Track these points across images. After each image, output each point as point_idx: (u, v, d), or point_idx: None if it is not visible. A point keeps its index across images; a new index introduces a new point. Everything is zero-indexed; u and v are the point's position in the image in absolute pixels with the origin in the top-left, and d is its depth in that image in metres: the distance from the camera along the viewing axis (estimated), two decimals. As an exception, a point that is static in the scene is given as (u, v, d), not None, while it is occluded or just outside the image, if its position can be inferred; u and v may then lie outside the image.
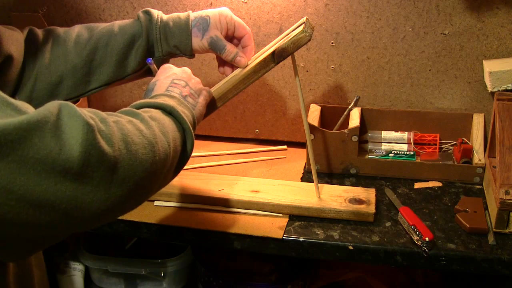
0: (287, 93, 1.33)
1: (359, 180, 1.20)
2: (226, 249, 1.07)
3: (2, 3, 1.37)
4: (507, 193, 0.97)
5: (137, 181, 0.66)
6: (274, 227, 1.03)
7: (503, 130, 1.05)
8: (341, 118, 1.27)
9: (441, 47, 1.21)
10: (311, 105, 1.29)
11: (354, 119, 1.22)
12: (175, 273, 1.40)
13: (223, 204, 1.08)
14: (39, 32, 0.99)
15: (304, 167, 1.26)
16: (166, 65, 0.95)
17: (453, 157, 1.21)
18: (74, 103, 1.02)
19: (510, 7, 1.14)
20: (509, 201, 0.96)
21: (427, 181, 1.18)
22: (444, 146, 1.25)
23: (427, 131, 1.25)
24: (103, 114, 0.66)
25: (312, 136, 1.18)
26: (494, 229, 0.99)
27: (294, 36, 0.96)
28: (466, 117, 1.23)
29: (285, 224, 1.04)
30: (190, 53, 1.03)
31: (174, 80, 0.89)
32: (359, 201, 1.05)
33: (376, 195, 1.09)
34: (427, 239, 0.94)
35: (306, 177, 1.21)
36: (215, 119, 1.39)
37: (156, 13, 1.01)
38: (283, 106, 1.35)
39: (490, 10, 1.15)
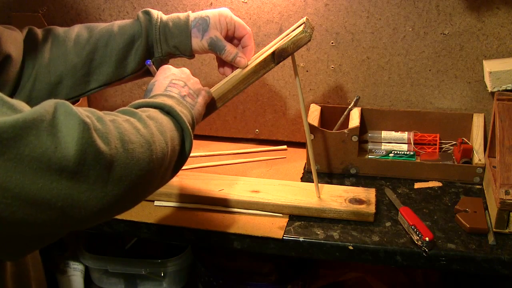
0: (287, 93, 1.33)
1: (359, 180, 1.20)
2: (226, 249, 1.07)
3: (2, 3, 1.37)
4: (507, 193, 0.97)
5: (134, 180, 0.66)
6: (274, 227, 1.03)
7: (503, 130, 1.05)
8: (341, 118, 1.27)
9: (441, 47, 1.21)
10: (311, 105, 1.29)
11: (354, 119, 1.22)
12: (175, 273, 1.40)
13: (223, 204, 1.08)
14: (39, 32, 0.99)
15: (304, 167, 1.26)
16: (165, 66, 0.95)
17: (453, 157, 1.21)
18: (74, 103, 1.02)
19: (510, 7, 1.14)
20: (509, 201, 0.96)
21: (427, 181, 1.18)
22: (444, 146, 1.25)
23: (427, 131, 1.25)
24: (100, 113, 0.66)
25: (312, 136, 1.18)
26: (494, 229, 0.99)
27: (294, 36, 0.96)
28: (466, 117, 1.23)
29: (285, 224, 1.04)
30: (189, 54, 1.03)
31: (173, 81, 0.89)
32: (359, 201, 1.05)
33: (376, 195, 1.09)
34: (427, 239, 0.94)
35: (306, 177, 1.21)
36: (215, 119, 1.39)
37: (156, 14, 1.01)
38: (283, 106, 1.35)
39: (490, 10, 1.15)
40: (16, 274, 0.82)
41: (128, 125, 0.68)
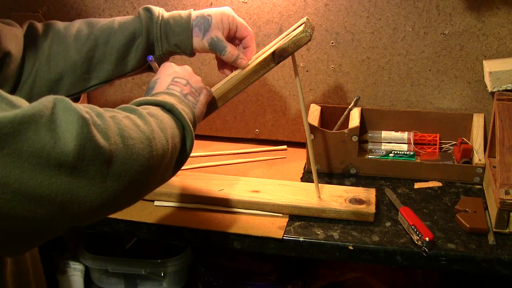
0: (287, 93, 1.33)
1: (359, 180, 1.20)
2: (226, 249, 1.07)
3: (2, 3, 1.37)
4: (507, 193, 0.97)
5: (134, 176, 0.66)
6: (274, 227, 1.03)
7: (503, 130, 1.05)
8: (341, 118, 1.27)
9: (441, 47, 1.21)
10: (311, 105, 1.29)
11: (354, 119, 1.22)
12: (175, 273, 1.40)
13: (223, 204, 1.08)
14: (39, 27, 0.98)
15: (304, 167, 1.26)
16: (167, 64, 0.95)
17: (453, 157, 1.21)
18: (75, 100, 1.02)
19: (510, 7, 1.14)
20: (509, 201, 0.96)
21: (427, 181, 1.18)
22: (444, 146, 1.25)
23: (427, 131, 1.25)
24: (100, 109, 0.66)
25: (312, 136, 1.18)
26: (494, 229, 0.99)
27: (295, 36, 0.96)
28: (466, 117, 1.23)
29: (285, 224, 1.04)
30: (190, 52, 1.02)
31: (175, 79, 0.89)
32: (359, 201, 1.05)
33: (376, 195, 1.09)
34: (427, 239, 0.94)
35: (306, 177, 1.21)
36: (215, 119, 1.39)
37: (157, 11, 1.00)
38: (283, 106, 1.35)
39: (490, 10, 1.15)
40: (16, 273, 0.82)
41: (128, 121, 0.68)
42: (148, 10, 1.00)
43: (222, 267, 1.37)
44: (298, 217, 1.06)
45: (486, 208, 1.07)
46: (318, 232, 1.01)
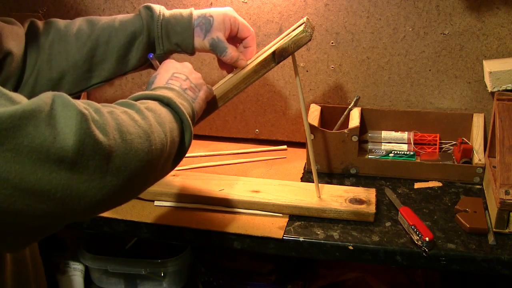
0: (287, 93, 1.33)
1: (359, 180, 1.20)
2: (226, 249, 1.07)
3: (2, 3, 1.37)
4: (507, 193, 0.97)
5: (133, 170, 0.66)
6: (274, 227, 1.03)
7: (503, 130, 1.05)
8: (341, 118, 1.27)
9: (441, 47, 1.21)
10: (311, 105, 1.29)
11: (354, 119, 1.22)
12: (175, 273, 1.40)
13: (223, 204, 1.08)
14: (40, 25, 0.98)
15: (304, 167, 1.26)
16: (168, 60, 0.95)
17: (453, 157, 1.21)
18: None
19: (510, 7, 1.14)
20: (509, 201, 0.96)
21: (427, 181, 1.18)
22: (444, 146, 1.25)
23: (427, 131, 1.25)
24: (97, 104, 0.67)
25: (312, 136, 1.18)
26: (494, 229, 0.99)
27: (295, 36, 0.96)
28: (466, 117, 1.23)
29: (285, 224, 1.04)
30: (191, 52, 1.03)
31: (175, 74, 0.89)
32: (360, 201, 1.05)
33: (376, 195, 1.09)
34: (427, 239, 0.94)
35: (306, 177, 1.21)
36: (215, 119, 1.39)
37: (158, 9, 1.00)
38: (283, 106, 1.35)
39: (490, 10, 1.15)
40: (16, 273, 0.82)
41: (126, 117, 0.68)
42: (149, 9, 1.00)
43: (222, 267, 1.36)
44: (298, 217, 1.06)
45: (486, 208, 1.07)
46: (318, 232, 1.01)
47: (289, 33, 1.01)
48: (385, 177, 1.20)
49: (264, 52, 1.02)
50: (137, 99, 0.79)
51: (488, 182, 1.10)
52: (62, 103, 0.60)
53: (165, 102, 0.79)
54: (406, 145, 1.23)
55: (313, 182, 1.07)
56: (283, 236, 1.00)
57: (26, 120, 0.56)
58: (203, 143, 1.38)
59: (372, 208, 1.04)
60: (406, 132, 1.24)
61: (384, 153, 1.22)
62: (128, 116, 0.69)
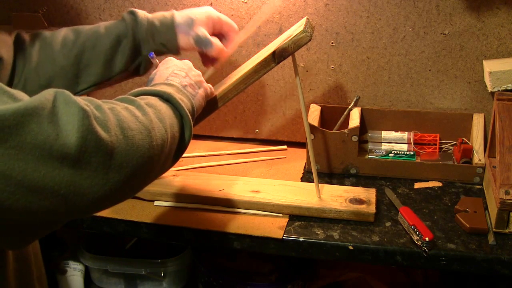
0: (287, 93, 1.33)
1: (359, 180, 1.20)
2: (226, 249, 1.07)
3: (2, 3, 1.37)
4: (507, 193, 0.97)
5: (135, 166, 0.66)
6: (274, 227, 1.03)
7: (503, 130, 1.05)
8: (341, 118, 1.27)
9: (441, 47, 1.21)
10: (311, 105, 1.29)
11: (354, 119, 1.22)
12: (175, 273, 1.40)
13: (223, 204, 1.08)
14: (26, 36, 1.00)
15: (304, 167, 1.26)
16: (168, 58, 0.97)
17: (453, 157, 1.21)
18: None
19: (510, 7, 1.14)
20: (509, 201, 0.96)
21: (427, 181, 1.18)
22: (444, 146, 1.25)
23: (427, 131, 1.25)
24: (98, 101, 0.67)
25: (312, 136, 1.18)
26: (494, 229, 0.99)
27: (295, 36, 0.96)
28: (466, 117, 1.23)
29: (285, 224, 1.04)
30: (176, 51, 1.04)
31: (175, 71, 0.90)
32: (360, 201, 1.05)
33: (376, 195, 1.09)
34: (427, 239, 0.94)
35: (306, 177, 1.21)
36: (215, 119, 1.39)
37: (141, 13, 1.02)
38: (283, 106, 1.35)
39: (490, 10, 1.15)
40: (18, 272, 0.83)
41: (127, 113, 0.69)
42: (132, 13, 1.02)
43: (222, 267, 1.37)
44: (298, 217, 1.06)
45: (486, 208, 1.07)
46: (318, 232, 1.01)
47: (289, 33, 1.01)
48: (385, 177, 1.20)
49: (264, 52, 1.02)
50: (137, 95, 0.79)
51: (488, 182, 1.10)
52: (64, 100, 0.61)
53: (165, 98, 0.79)
54: (406, 145, 1.23)
55: (313, 182, 1.07)
56: (283, 236, 1.00)
57: (29, 117, 0.56)
58: (203, 143, 1.38)
59: (372, 208, 1.04)
60: (406, 132, 1.24)
61: (384, 153, 1.22)
62: (129, 112, 0.69)
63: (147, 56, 1.02)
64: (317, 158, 1.20)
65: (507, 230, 0.99)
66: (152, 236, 1.07)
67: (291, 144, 1.37)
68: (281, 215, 1.06)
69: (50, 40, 1.00)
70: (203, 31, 1.01)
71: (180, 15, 1.02)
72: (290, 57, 0.99)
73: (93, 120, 0.61)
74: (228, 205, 1.08)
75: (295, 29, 1.00)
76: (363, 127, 1.28)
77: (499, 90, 1.16)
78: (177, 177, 1.16)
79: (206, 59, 1.07)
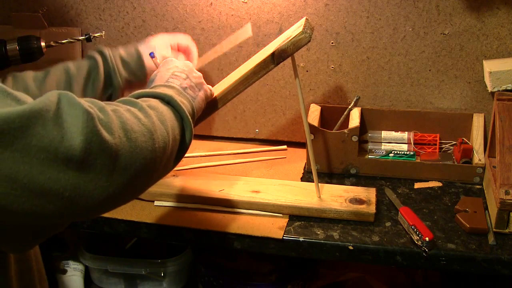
0: (287, 93, 1.33)
1: (359, 180, 1.20)
2: (226, 249, 1.07)
3: (2, 3, 1.37)
4: (507, 193, 0.97)
5: (138, 168, 0.66)
6: (274, 227, 1.03)
7: (503, 130, 1.05)
8: (341, 118, 1.27)
9: (441, 47, 1.21)
10: (311, 105, 1.29)
11: (354, 119, 1.22)
12: (175, 273, 1.40)
13: (223, 204, 1.08)
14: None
15: (304, 167, 1.26)
16: (168, 59, 0.97)
17: (453, 157, 1.21)
18: None
19: (510, 7, 1.14)
20: (509, 201, 0.96)
21: (427, 181, 1.18)
22: (444, 146, 1.25)
23: (427, 131, 1.25)
24: (101, 103, 0.67)
25: (312, 136, 1.18)
26: (494, 229, 0.99)
27: (294, 37, 0.96)
28: (466, 117, 1.23)
29: (285, 224, 1.04)
30: (144, 77, 1.08)
31: (175, 73, 0.91)
32: (360, 201, 1.05)
33: (376, 195, 1.09)
34: (427, 239, 0.94)
35: (306, 177, 1.21)
36: (215, 119, 1.39)
37: (106, 49, 1.07)
38: (283, 106, 1.35)
39: (490, 10, 1.15)
40: (20, 273, 0.82)
41: (130, 115, 0.69)
42: (99, 51, 1.07)
43: (222, 267, 1.37)
44: (298, 217, 1.06)
45: (486, 208, 1.07)
46: (318, 232, 1.01)
47: (288, 34, 1.01)
48: (385, 177, 1.20)
49: (264, 53, 1.02)
50: (139, 97, 0.79)
51: (488, 182, 1.10)
52: (68, 102, 0.60)
53: (166, 100, 0.80)
54: (406, 145, 1.23)
55: (313, 182, 1.07)
56: (283, 236, 1.00)
57: (34, 119, 0.56)
58: (203, 143, 1.38)
59: (372, 208, 1.04)
60: (406, 132, 1.24)
61: (384, 153, 1.22)
62: (132, 114, 0.69)
63: (118, 87, 1.06)
64: (317, 158, 1.20)
65: (507, 230, 0.99)
66: (152, 236, 1.07)
67: (291, 144, 1.37)
68: (281, 215, 1.06)
69: (22, 76, 1.02)
70: (166, 52, 1.08)
71: (141, 45, 1.09)
72: (290, 58, 0.98)
73: (97, 122, 0.61)
74: (228, 205, 1.08)
75: (294, 29, 1.00)
76: (363, 127, 1.28)
77: (499, 90, 1.16)
78: (177, 177, 1.16)
79: None
